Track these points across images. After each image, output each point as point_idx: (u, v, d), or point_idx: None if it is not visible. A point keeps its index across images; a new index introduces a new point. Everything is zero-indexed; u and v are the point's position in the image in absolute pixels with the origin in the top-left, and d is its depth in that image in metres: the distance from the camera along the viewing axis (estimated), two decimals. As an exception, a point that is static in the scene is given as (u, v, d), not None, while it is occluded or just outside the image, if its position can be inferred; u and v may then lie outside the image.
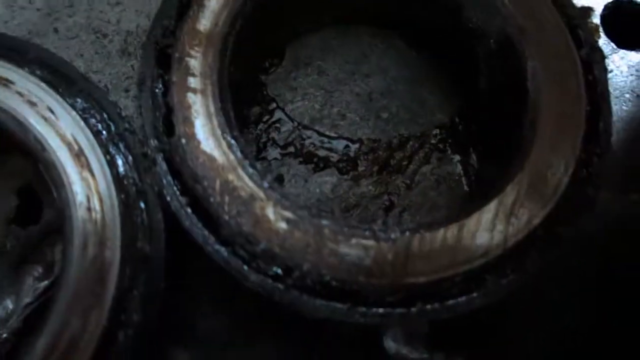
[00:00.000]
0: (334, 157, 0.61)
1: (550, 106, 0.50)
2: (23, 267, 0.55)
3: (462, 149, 0.61)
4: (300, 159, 0.60)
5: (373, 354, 0.54)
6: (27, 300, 0.53)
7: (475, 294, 0.46)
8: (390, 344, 0.55)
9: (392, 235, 0.45)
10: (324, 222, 0.45)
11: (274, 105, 0.62)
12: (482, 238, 0.45)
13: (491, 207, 0.46)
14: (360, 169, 0.61)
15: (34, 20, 0.63)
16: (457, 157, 0.61)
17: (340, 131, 0.62)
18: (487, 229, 0.46)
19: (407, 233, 0.45)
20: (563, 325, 0.56)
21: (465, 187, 0.61)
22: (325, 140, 0.61)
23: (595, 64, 0.52)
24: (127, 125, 0.48)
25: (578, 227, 0.49)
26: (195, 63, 0.49)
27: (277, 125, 0.61)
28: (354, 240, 0.44)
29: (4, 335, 0.52)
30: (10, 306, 0.53)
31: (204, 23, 0.50)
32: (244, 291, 0.47)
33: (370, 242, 0.44)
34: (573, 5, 0.54)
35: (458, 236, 0.45)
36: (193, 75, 0.48)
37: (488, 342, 0.55)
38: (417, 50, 0.63)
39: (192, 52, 0.49)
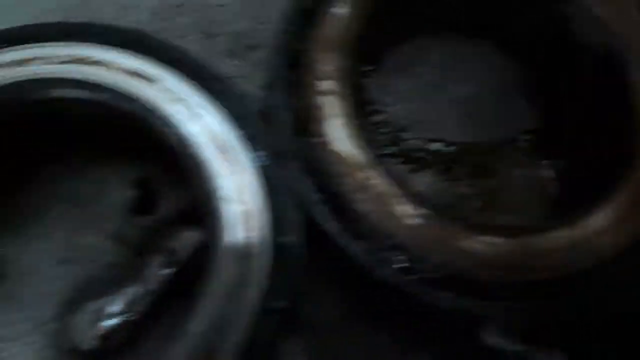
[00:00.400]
0: (431, 159, 0.64)
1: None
2: (144, 256, 0.58)
3: (551, 154, 0.65)
4: (400, 160, 0.63)
5: (476, 344, 0.57)
6: (151, 286, 0.56)
7: (587, 295, 0.49)
8: (490, 336, 0.59)
9: (518, 234, 0.48)
10: (454, 220, 0.48)
11: (374, 108, 0.65)
12: (600, 240, 0.49)
13: (607, 211, 0.50)
14: (455, 170, 0.64)
15: (143, 20, 0.67)
16: (546, 162, 0.65)
17: (436, 134, 0.65)
18: (604, 232, 0.49)
19: (532, 233, 0.48)
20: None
21: (554, 192, 0.64)
22: (423, 142, 0.65)
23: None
24: (262, 124, 0.51)
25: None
26: (324, 67, 0.52)
27: (377, 127, 0.64)
28: (482, 237, 0.48)
29: (132, 318, 0.55)
30: (135, 292, 0.56)
31: (332, 29, 0.53)
32: (370, 283, 0.50)
33: (498, 240, 0.48)
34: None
35: (576, 238, 0.49)
36: (323, 78, 0.52)
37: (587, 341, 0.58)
38: (510, 57, 0.67)
39: (322, 56, 0.52)
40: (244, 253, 0.47)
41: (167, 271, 0.56)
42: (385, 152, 0.63)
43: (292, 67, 0.52)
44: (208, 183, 0.48)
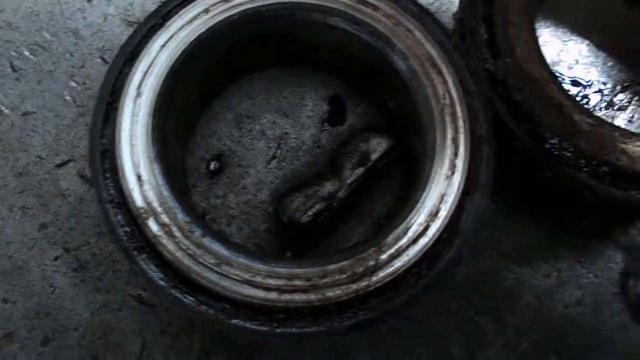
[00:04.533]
0: (570, 95, 0.76)
1: None
2: (339, 158, 0.70)
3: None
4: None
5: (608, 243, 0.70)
6: (348, 180, 0.69)
7: None
8: (623, 238, 0.71)
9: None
10: (617, 127, 0.60)
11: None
12: None
13: None
14: (591, 105, 0.76)
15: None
16: (670, 101, 0.76)
17: (574, 74, 0.77)
18: None
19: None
20: None
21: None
22: (563, 79, 0.76)
23: None
24: (460, 45, 0.63)
25: None
26: (512, 3, 0.64)
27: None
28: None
29: (335, 204, 0.68)
30: (336, 185, 0.68)
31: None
32: (541, 180, 0.63)
33: (654, 144, 0.60)
34: None
35: None
36: (511, 12, 0.64)
37: None
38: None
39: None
40: (454, 144, 0.59)
41: (360, 169, 0.69)
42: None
43: (485, 3, 0.64)
44: (425, 90, 0.61)
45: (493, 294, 0.67)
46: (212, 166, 0.71)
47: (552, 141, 0.60)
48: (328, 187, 0.68)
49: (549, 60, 0.75)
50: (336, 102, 0.74)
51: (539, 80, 0.62)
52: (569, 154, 0.60)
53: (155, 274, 0.55)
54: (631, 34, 0.79)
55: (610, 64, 0.78)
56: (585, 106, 0.75)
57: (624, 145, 0.60)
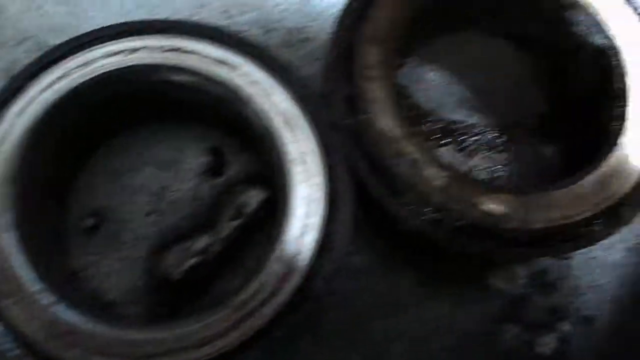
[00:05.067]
0: (451, 137, 0.77)
1: (636, 110, 0.66)
2: (216, 209, 0.71)
3: (554, 134, 0.77)
4: (426, 136, 0.76)
5: (485, 288, 0.70)
6: (223, 233, 0.69)
7: (577, 241, 0.62)
8: (498, 282, 0.72)
9: (521, 194, 0.61)
10: (472, 181, 0.61)
11: (405, 93, 0.77)
12: (585, 201, 0.61)
13: (591, 178, 0.62)
14: (473, 146, 0.77)
15: (214, 17, 0.80)
16: (549, 141, 0.77)
17: (457, 116, 0.78)
18: (588, 194, 0.62)
19: (532, 193, 0.61)
20: (632, 283, 0.73)
21: (556, 165, 0.76)
22: (445, 123, 0.77)
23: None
24: (320, 102, 0.64)
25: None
26: (371, 57, 0.65)
27: (407, 109, 0.77)
28: (493, 195, 0.60)
29: (208, 259, 0.68)
30: (210, 238, 0.69)
31: (377, 28, 0.66)
32: (404, 233, 0.63)
33: (506, 198, 0.60)
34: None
35: (568, 197, 0.61)
36: (370, 67, 0.64)
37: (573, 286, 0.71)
38: (524, 52, 0.79)
39: (369, 49, 0.65)
40: (308, 203, 0.60)
41: (235, 222, 0.70)
42: (416, 129, 0.75)
43: (344, 57, 0.65)
44: (278, 149, 0.61)
45: (363, 343, 0.68)
46: (90, 222, 0.71)
47: (407, 197, 0.61)
48: (203, 241, 0.69)
49: (431, 103, 0.78)
50: (216, 154, 0.74)
51: (393, 136, 0.62)
52: (423, 209, 0.61)
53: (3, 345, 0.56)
54: (515, 77, 0.80)
55: (492, 106, 0.78)
56: (466, 149, 0.76)
57: (476, 200, 0.61)
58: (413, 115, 0.76)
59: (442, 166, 0.62)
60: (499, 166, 0.76)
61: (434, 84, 0.79)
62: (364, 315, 0.70)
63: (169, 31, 0.64)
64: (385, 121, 0.63)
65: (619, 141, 0.65)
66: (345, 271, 0.65)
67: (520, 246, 0.61)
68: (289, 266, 0.58)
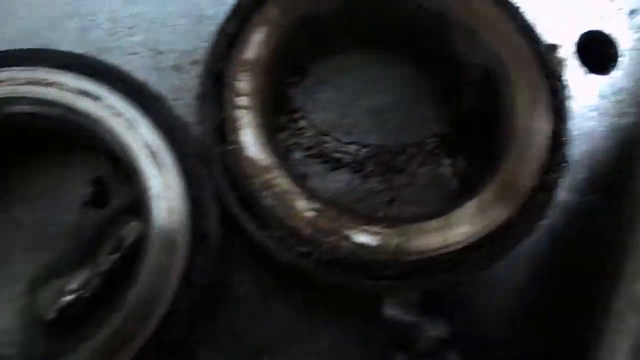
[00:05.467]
0: (347, 159, 0.74)
1: (522, 125, 0.64)
2: (97, 242, 0.68)
3: (452, 154, 0.75)
4: (320, 160, 0.74)
5: (373, 317, 0.68)
6: (102, 268, 0.67)
7: (455, 272, 0.60)
8: (388, 310, 0.70)
9: (394, 224, 0.58)
10: (343, 212, 0.58)
11: (299, 115, 0.75)
12: (463, 228, 0.59)
13: (470, 204, 0.60)
14: (369, 169, 0.74)
15: (101, 38, 0.77)
16: (448, 161, 0.75)
17: (353, 138, 0.75)
18: (466, 221, 0.59)
19: (406, 222, 0.59)
20: (525, 301, 0.71)
21: (454, 186, 0.74)
22: (341, 145, 0.75)
23: (560, 92, 0.66)
24: (188, 132, 0.61)
25: (542, 222, 0.63)
26: (242, 85, 0.62)
27: (301, 132, 0.74)
28: (365, 227, 0.58)
29: (85, 295, 0.65)
30: (89, 273, 0.66)
31: (249, 53, 0.63)
32: (276, 265, 0.61)
33: (378, 229, 0.58)
34: (542, 42, 0.67)
35: (444, 225, 0.59)
36: (240, 94, 0.62)
37: (466, 311, 0.69)
38: (419, 72, 0.77)
39: (240, 76, 0.63)
40: (169, 240, 0.57)
41: (114, 255, 0.67)
42: (306, 153, 0.73)
43: (215, 84, 0.63)
44: (141, 183, 0.59)
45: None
46: (-37, 261, 0.68)
47: (276, 230, 0.59)
48: (81, 276, 0.66)
49: (327, 124, 0.76)
50: (99, 184, 0.72)
51: (262, 166, 0.60)
52: (292, 242, 0.59)
53: None
54: (413, 95, 0.77)
55: (390, 126, 0.76)
56: (362, 171, 0.74)
57: (347, 232, 0.59)
58: (307, 137, 0.74)
59: (314, 197, 0.59)
60: (396, 188, 0.74)
61: (329, 104, 0.77)
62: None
63: (27, 62, 0.61)
64: (255, 151, 0.60)
65: (504, 162, 0.63)
66: (227, 304, 0.63)
67: (393, 278, 0.59)
68: (150, 304, 0.56)
